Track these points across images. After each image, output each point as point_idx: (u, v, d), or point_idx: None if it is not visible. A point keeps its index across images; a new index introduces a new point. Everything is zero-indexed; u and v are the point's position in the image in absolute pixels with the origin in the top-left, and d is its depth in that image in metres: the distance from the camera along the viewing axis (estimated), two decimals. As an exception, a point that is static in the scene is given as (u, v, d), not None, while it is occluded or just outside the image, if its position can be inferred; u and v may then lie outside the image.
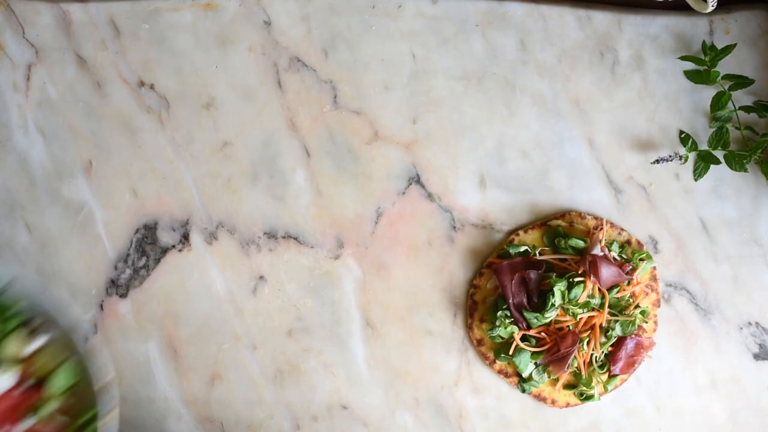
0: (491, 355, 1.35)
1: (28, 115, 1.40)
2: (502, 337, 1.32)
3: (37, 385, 0.89)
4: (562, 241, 1.33)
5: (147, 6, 1.40)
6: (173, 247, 1.38)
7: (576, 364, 1.31)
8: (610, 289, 1.30)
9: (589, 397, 1.34)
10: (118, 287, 1.38)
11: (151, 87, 1.40)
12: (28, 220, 1.39)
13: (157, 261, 1.38)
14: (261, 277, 1.37)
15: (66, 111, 1.40)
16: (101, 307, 1.38)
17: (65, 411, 0.86)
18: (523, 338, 1.32)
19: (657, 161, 1.37)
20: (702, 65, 1.34)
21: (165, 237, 1.38)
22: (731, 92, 1.33)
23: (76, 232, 1.39)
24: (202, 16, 1.39)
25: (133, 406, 1.38)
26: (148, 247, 1.39)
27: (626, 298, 1.32)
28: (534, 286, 1.30)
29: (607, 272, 1.28)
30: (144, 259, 1.38)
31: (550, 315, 1.29)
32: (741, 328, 1.36)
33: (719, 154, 1.34)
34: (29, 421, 0.82)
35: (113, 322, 1.38)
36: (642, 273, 1.33)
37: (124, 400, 1.38)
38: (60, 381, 0.95)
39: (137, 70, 1.39)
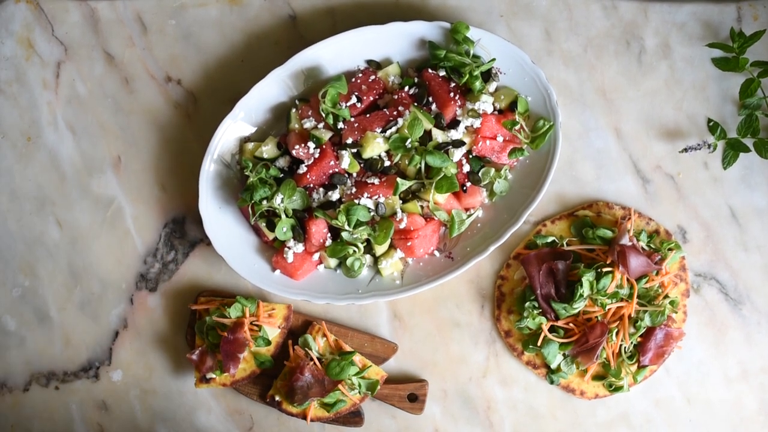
0: (519, 346, 1.35)
1: (58, 112, 1.42)
2: (530, 328, 1.32)
3: (505, 113, 1.33)
4: (590, 232, 1.32)
5: (173, 2, 1.41)
6: (201, 240, 1.39)
7: (605, 355, 1.31)
8: (638, 279, 1.29)
9: (618, 389, 1.33)
10: (147, 281, 1.40)
11: (179, 82, 1.41)
12: (59, 215, 1.41)
13: (186, 255, 1.40)
14: (288, 270, 1.38)
15: (95, 107, 1.42)
16: (131, 301, 1.40)
17: (527, 126, 1.32)
18: (552, 329, 1.31)
19: (685, 150, 1.36)
20: (730, 52, 1.33)
21: (193, 231, 1.40)
22: (760, 79, 1.32)
23: (106, 227, 1.40)
24: (227, 12, 1.40)
25: (163, 399, 1.39)
26: (176, 242, 1.40)
27: (655, 288, 1.31)
28: (562, 277, 1.29)
29: (636, 262, 1.27)
30: (173, 254, 1.40)
31: (579, 305, 1.28)
32: (772, 318, 1.35)
33: (748, 141, 1.33)
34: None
35: (143, 316, 1.40)
36: (671, 263, 1.32)
37: (154, 393, 1.39)
38: (520, 106, 1.31)
39: (164, 66, 1.41)
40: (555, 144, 1.30)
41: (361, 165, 1.31)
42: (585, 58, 1.37)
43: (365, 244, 1.32)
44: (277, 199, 1.28)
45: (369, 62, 1.35)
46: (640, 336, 1.31)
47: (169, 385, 1.39)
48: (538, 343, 1.31)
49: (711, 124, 1.34)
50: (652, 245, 1.33)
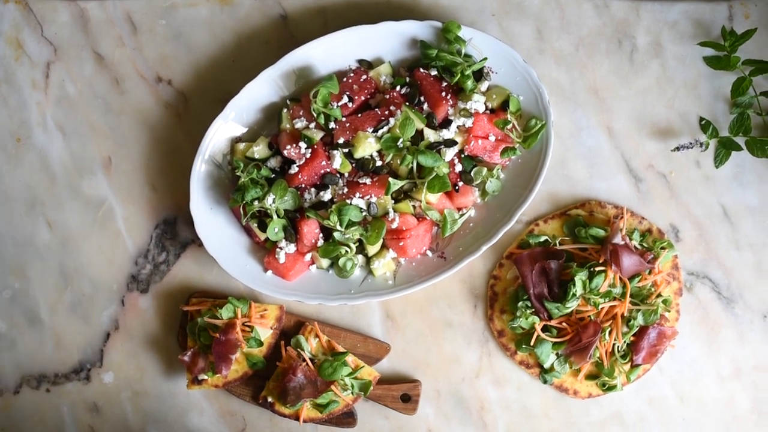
0: (512, 346, 1.35)
1: (48, 113, 1.41)
2: (523, 328, 1.31)
3: (497, 112, 1.32)
4: (583, 231, 1.32)
5: (163, 2, 1.40)
6: (193, 241, 1.39)
7: (598, 355, 1.30)
8: (631, 278, 1.29)
9: (611, 388, 1.33)
10: (138, 282, 1.39)
11: (169, 82, 1.40)
12: (49, 216, 1.40)
13: (177, 256, 1.39)
14: (280, 271, 1.38)
15: (84, 108, 1.41)
16: (122, 302, 1.39)
17: (519, 126, 1.32)
18: (545, 329, 1.31)
19: (677, 149, 1.36)
20: (722, 51, 1.33)
21: (184, 232, 1.39)
22: (752, 77, 1.32)
23: (97, 228, 1.40)
24: (218, 11, 1.40)
25: (155, 400, 1.38)
26: (167, 242, 1.39)
27: (648, 287, 1.31)
28: (555, 276, 1.29)
29: (629, 261, 1.27)
30: (164, 254, 1.39)
31: (572, 305, 1.28)
32: (765, 317, 1.35)
33: (740, 140, 1.33)
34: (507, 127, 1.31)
35: (134, 317, 1.39)
36: (663, 261, 1.32)
37: (146, 394, 1.39)
38: (512, 106, 1.31)
39: (154, 66, 1.40)
40: (547, 143, 1.30)
41: (353, 165, 1.31)
42: (577, 57, 1.37)
43: (357, 244, 1.31)
44: (269, 200, 1.28)
45: (360, 62, 1.35)
46: (633, 335, 1.31)
47: (160, 387, 1.39)
48: (531, 343, 1.31)
49: (703, 122, 1.34)
50: (644, 244, 1.33)
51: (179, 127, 1.40)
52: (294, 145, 1.30)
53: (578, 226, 1.33)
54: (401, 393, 1.35)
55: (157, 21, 1.40)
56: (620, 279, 1.29)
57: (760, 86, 1.34)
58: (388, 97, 1.32)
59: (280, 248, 1.31)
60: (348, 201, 1.28)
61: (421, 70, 1.32)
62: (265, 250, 1.34)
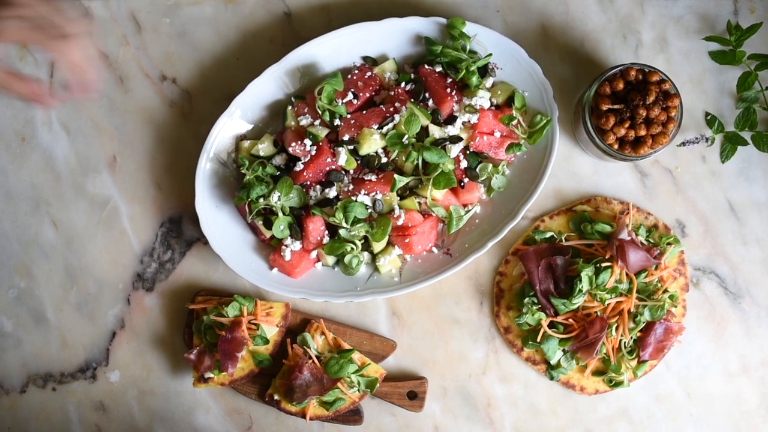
0: (519, 342, 1.34)
1: (52, 112, 1.41)
2: (529, 324, 1.31)
3: (502, 108, 1.33)
4: (588, 227, 1.32)
5: (167, 0, 1.40)
6: (198, 239, 1.39)
7: (604, 351, 1.30)
8: (638, 274, 1.29)
9: (618, 384, 1.33)
10: (144, 281, 1.39)
11: (174, 81, 1.40)
12: (54, 216, 1.40)
13: (183, 254, 1.39)
14: (286, 269, 1.38)
15: (89, 107, 1.41)
16: (128, 301, 1.39)
17: (524, 122, 1.32)
18: (551, 325, 1.31)
19: (683, 144, 1.35)
20: (727, 45, 1.33)
21: (190, 230, 1.39)
22: (758, 72, 1.31)
23: (102, 227, 1.40)
24: (222, 9, 1.40)
25: (161, 399, 1.38)
26: (173, 241, 1.39)
27: (654, 282, 1.31)
28: (561, 272, 1.29)
29: (635, 257, 1.26)
30: (169, 253, 1.39)
31: (578, 301, 1.28)
32: (772, 311, 1.35)
33: (746, 135, 1.32)
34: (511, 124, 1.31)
35: (140, 316, 1.39)
36: (670, 257, 1.32)
37: (152, 393, 1.39)
38: (517, 102, 1.31)
39: (159, 65, 1.40)
40: (552, 139, 1.30)
41: (358, 162, 1.31)
42: (582, 53, 1.37)
43: (363, 241, 1.31)
44: (274, 197, 1.28)
45: (365, 59, 1.35)
46: (640, 331, 1.30)
47: (167, 385, 1.39)
48: (538, 339, 1.31)
49: (708, 117, 1.33)
50: (650, 240, 1.32)
51: (184, 126, 1.40)
52: (299, 143, 1.30)
53: (584, 222, 1.33)
54: (408, 390, 1.35)
55: (161, 19, 1.40)
56: (627, 275, 1.28)
57: (766, 81, 1.33)
58: (392, 93, 1.32)
59: (286, 246, 1.31)
60: (353, 198, 1.28)
61: (426, 66, 1.32)
62: (270, 248, 1.34)
